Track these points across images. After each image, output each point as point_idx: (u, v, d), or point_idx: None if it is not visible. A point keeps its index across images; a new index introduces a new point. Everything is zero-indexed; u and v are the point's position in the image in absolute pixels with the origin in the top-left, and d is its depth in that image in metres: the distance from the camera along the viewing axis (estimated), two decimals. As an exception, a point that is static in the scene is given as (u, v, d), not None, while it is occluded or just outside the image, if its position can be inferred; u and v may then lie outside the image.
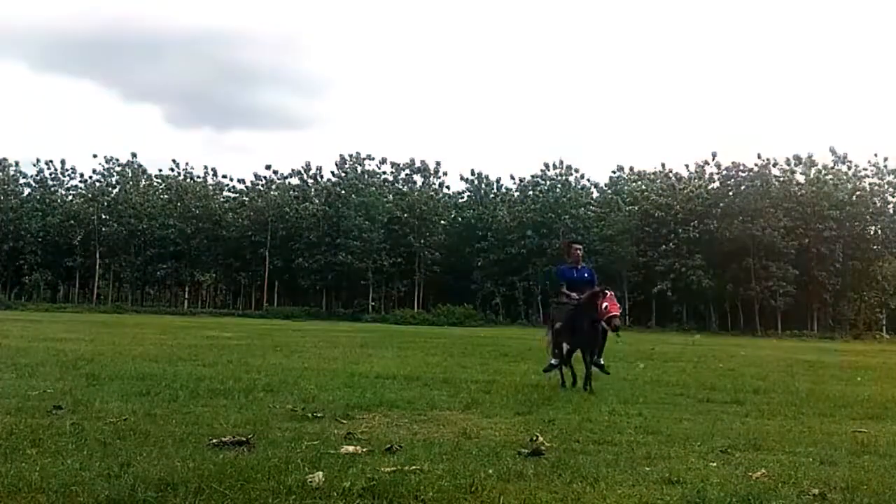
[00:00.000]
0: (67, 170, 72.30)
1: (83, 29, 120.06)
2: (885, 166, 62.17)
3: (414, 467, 4.90)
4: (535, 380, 10.87)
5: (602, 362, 10.16)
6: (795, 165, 63.52)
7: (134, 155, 72.42)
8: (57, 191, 72.56)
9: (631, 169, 71.09)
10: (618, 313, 9.61)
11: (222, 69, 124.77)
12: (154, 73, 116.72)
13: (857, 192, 60.93)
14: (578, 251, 10.75)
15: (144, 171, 73.11)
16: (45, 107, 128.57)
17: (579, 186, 68.40)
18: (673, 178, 65.81)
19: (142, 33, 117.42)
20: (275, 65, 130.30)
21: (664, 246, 60.08)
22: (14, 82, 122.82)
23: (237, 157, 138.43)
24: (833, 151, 62.98)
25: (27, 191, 71.65)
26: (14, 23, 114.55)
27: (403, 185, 70.52)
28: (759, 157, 63.43)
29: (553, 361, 10.21)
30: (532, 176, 68.43)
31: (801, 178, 63.12)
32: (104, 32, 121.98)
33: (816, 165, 62.82)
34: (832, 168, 62.70)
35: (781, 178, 63.24)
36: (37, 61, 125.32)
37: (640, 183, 67.57)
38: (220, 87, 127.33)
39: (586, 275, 10.49)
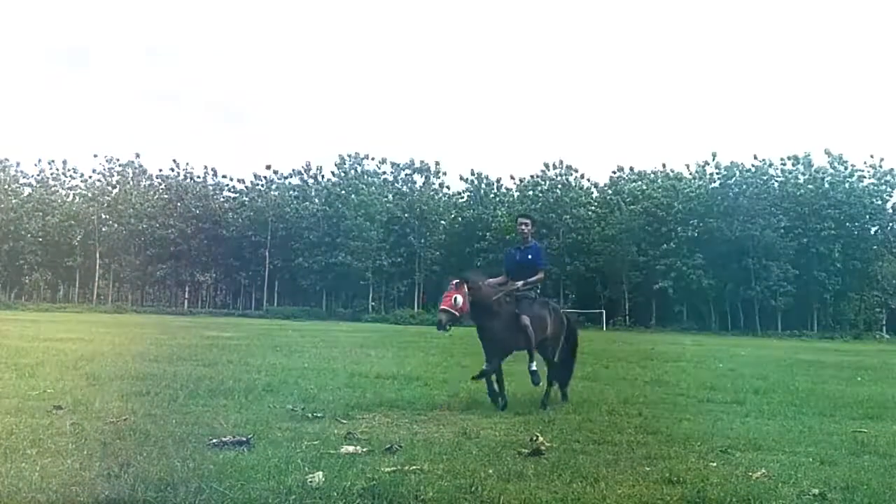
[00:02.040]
0: (69, 169, 72.52)
1: (87, 29, 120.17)
2: (881, 167, 62.40)
3: (414, 467, 4.90)
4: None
5: (534, 368, 8.33)
6: (794, 165, 63.67)
7: (138, 155, 72.72)
8: (57, 191, 72.61)
9: (631, 169, 71.20)
10: (445, 306, 7.86)
11: (224, 69, 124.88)
12: (156, 74, 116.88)
13: (855, 192, 61.05)
14: (524, 226, 8.73)
15: (145, 171, 73.26)
16: (48, 106, 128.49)
17: (579, 186, 68.44)
18: (674, 177, 65.88)
19: (144, 34, 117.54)
20: (276, 65, 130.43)
21: (665, 245, 60.14)
22: (17, 82, 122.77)
23: (237, 157, 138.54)
24: (828, 153, 63.15)
25: (27, 191, 71.68)
26: (18, 23, 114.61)
27: (403, 185, 70.54)
28: (755, 157, 63.69)
29: (485, 366, 8.23)
30: (532, 176, 68.56)
31: (799, 178, 63.26)
32: (108, 33, 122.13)
33: (814, 165, 62.98)
34: (830, 168, 62.84)
35: (780, 178, 63.40)
36: (41, 61, 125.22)
37: (640, 183, 67.63)
38: (221, 87, 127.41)
39: (529, 256, 8.54)
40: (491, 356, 8.20)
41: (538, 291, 8.73)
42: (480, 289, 8.13)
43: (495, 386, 8.19)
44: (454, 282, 8.09)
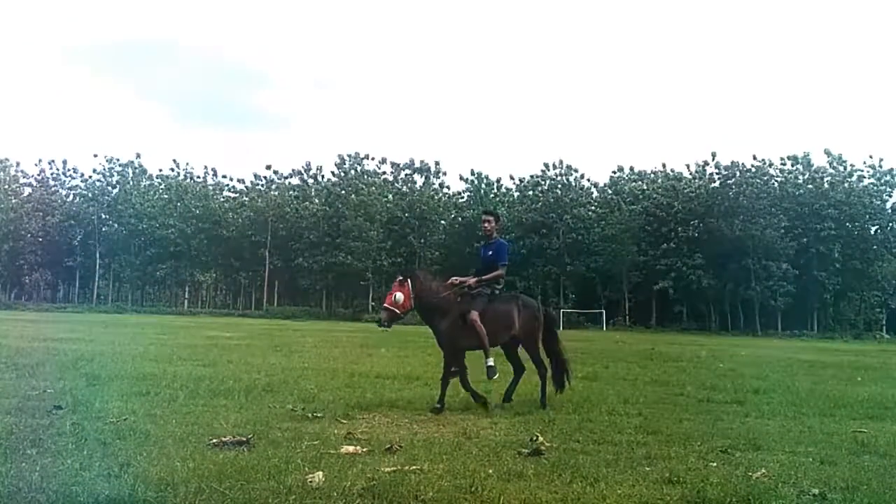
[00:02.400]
0: (69, 170, 72.60)
1: (88, 29, 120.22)
2: (881, 167, 62.45)
3: (414, 467, 4.90)
4: (535, 380, 10.85)
5: (490, 363, 7.88)
6: (793, 165, 63.73)
7: (138, 155, 72.77)
8: (57, 191, 72.67)
9: (631, 169, 71.33)
10: (386, 304, 7.91)
11: (226, 70, 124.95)
12: (160, 74, 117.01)
13: (855, 192, 61.11)
14: (486, 223, 8.46)
15: (145, 171, 73.28)
16: (48, 106, 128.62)
17: (579, 186, 68.45)
18: (674, 177, 65.90)
19: (144, 34, 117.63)
20: (276, 65, 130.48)
21: (665, 245, 60.17)
22: (18, 82, 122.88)
23: (237, 157, 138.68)
24: (828, 153, 63.23)
25: (27, 191, 71.78)
26: (19, 23, 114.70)
27: (403, 185, 70.55)
28: (754, 157, 63.74)
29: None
30: (532, 176, 68.58)
31: (799, 178, 63.36)
32: (108, 33, 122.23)
33: (814, 165, 63.06)
34: (830, 168, 62.91)
35: (780, 178, 63.46)
36: (41, 61, 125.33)
37: (640, 182, 67.69)
38: (223, 87, 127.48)
39: (490, 252, 8.28)
40: (448, 355, 7.98)
41: (499, 288, 8.35)
42: (425, 286, 7.97)
43: (471, 385, 7.97)
44: (398, 279, 8.02)
